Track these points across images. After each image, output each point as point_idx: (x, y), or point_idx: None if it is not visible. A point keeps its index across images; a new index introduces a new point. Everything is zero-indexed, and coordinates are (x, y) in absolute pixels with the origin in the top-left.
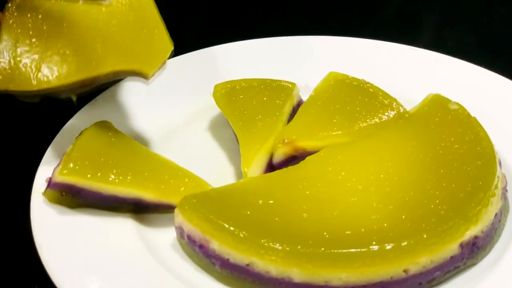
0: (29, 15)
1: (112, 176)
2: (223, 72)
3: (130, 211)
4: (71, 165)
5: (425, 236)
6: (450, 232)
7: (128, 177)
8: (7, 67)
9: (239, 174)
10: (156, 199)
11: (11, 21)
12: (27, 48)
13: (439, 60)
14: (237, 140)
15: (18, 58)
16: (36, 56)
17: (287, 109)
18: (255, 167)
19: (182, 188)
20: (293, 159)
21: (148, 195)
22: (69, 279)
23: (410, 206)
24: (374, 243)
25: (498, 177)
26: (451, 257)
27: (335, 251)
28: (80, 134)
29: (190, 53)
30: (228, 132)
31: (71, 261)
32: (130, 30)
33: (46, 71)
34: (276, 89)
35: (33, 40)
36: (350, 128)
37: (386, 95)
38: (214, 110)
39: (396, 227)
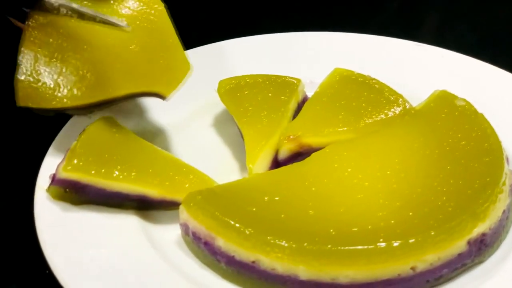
0: (49, 32)
1: (117, 173)
2: (227, 68)
3: (134, 208)
4: (75, 161)
5: (432, 233)
6: (457, 229)
7: (133, 174)
8: (27, 84)
9: (244, 170)
10: (160, 195)
11: (31, 38)
12: (46, 67)
13: (446, 56)
14: (242, 137)
15: (38, 76)
16: (55, 75)
17: (292, 105)
18: (260, 163)
19: (187, 185)
20: (298, 155)
21: (152, 191)
22: (73, 276)
23: (417, 203)
24: (381, 240)
25: (506, 173)
26: (459, 254)
27: (342, 248)
28: (84, 130)
29: (194, 49)
30: (233, 128)
31: (75, 258)
32: (150, 52)
33: (65, 91)
34: (281, 85)
35: (53, 59)
36: (355, 124)
37: (392, 91)
38: (218, 106)
39: (403, 224)
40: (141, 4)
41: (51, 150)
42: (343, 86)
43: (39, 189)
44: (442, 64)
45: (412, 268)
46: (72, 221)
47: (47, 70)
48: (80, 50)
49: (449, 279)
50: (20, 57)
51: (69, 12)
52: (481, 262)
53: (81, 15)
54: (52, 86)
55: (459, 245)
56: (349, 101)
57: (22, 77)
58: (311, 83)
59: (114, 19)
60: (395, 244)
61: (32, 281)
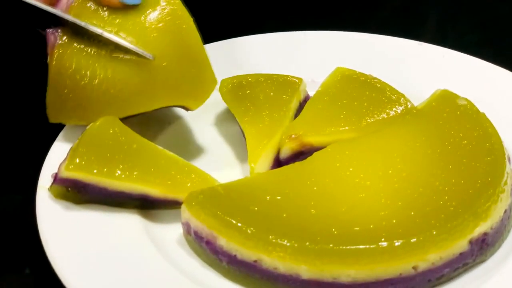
0: (78, 50)
1: (118, 172)
2: (229, 67)
3: (136, 207)
4: (77, 160)
5: (434, 232)
6: (459, 229)
7: (135, 173)
8: (59, 102)
9: (246, 169)
10: (162, 195)
11: (60, 56)
12: (75, 86)
13: (447, 55)
14: (244, 136)
15: (67, 95)
16: (84, 94)
17: (294, 104)
18: (262, 162)
19: (189, 184)
20: (300, 154)
21: (154, 190)
22: (75, 275)
23: (419, 202)
24: (383, 239)
25: (507, 173)
26: (461, 254)
27: (344, 247)
28: (86, 129)
29: None
30: (234, 127)
31: (77, 257)
32: (180, 66)
33: (94, 109)
34: (283, 84)
35: (82, 76)
36: (357, 123)
37: (393, 91)
38: (220, 105)
39: (405, 223)
40: (171, 18)
41: (53, 149)
42: (345, 85)
43: (41, 188)
44: (444, 63)
45: (414, 268)
46: (74, 221)
47: (77, 89)
48: (109, 68)
49: (450, 278)
50: (50, 75)
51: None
52: (482, 261)
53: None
54: (81, 105)
55: (460, 245)
56: (350, 100)
57: (53, 95)
58: (313, 82)
59: (138, 49)
60: (397, 244)
61: (35, 280)
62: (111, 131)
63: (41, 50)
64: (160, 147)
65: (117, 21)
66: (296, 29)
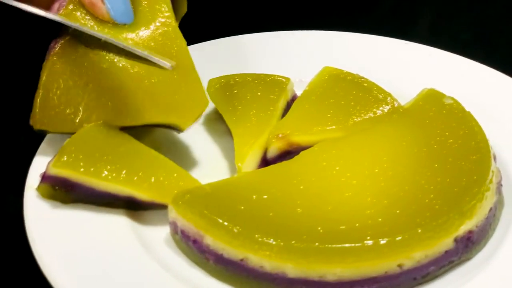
0: (73, 59)
1: (106, 172)
2: (217, 66)
3: (123, 207)
4: (65, 158)
5: (419, 231)
6: (444, 227)
7: (122, 175)
8: (46, 109)
9: (233, 169)
10: (149, 199)
11: (55, 63)
12: (66, 93)
13: (433, 54)
14: (231, 135)
15: (57, 102)
16: (74, 102)
17: (281, 104)
18: (249, 162)
19: (176, 191)
20: (287, 154)
21: (141, 194)
22: (62, 274)
23: (405, 201)
24: (368, 238)
25: (492, 171)
26: (446, 252)
27: (330, 246)
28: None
29: None
30: (222, 127)
31: (64, 256)
32: (170, 84)
33: (83, 117)
34: (270, 83)
35: (74, 85)
36: (344, 122)
37: (380, 90)
38: (208, 104)
39: (390, 222)
40: (163, 38)
41: (41, 149)
42: (332, 84)
43: (29, 188)
44: (430, 62)
45: (399, 266)
46: (61, 220)
47: (67, 96)
48: (102, 78)
49: (436, 276)
50: (41, 81)
51: (100, 42)
52: (468, 259)
53: (119, 49)
54: (71, 112)
55: (446, 243)
56: (338, 100)
57: (41, 102)
58: (300, 81)
59: (157, 59)
60: (382, 242)
61: (22, 280)
62: (102, 132)
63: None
64: (151, 150)
65: (108, 34)
66: (284, 29)
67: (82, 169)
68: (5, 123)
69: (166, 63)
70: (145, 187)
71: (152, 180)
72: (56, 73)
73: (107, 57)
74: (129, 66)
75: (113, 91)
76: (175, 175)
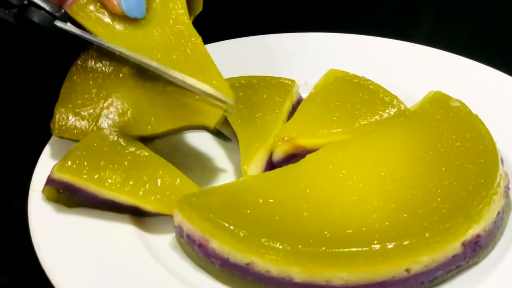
0: (95, 72)
1: (110, 181)
2: (221, 69)
3: (128, 213)
4: (69, 163)
5: (427, 235)
6: (452, 231)
7: (127, 186)
8: (65, 118)
9: (239, 172)
10: (154, 211)
11: (77, 74)
12: (85, 104)
13: (440, 57)
14: (237, 138)
15: (77, 111)
16: (93, 112)
17: (287, 106)
18: (254, 165)
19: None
20: (293, 157)
21: (146, 206)
22: (68, 279)
23: (412, 204)
24: (375, 242)
25: (500, 175)
26: (453, 256)
27: (336, 250)
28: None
29: None
30: (227, 130)
31: (69, 261)
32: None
33: (102, 127)
34: (275, 86)
35: (93, 96)
36: (350, 125)
37: (386, 92)
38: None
39: (397, 226)
40: (177, 37)
41: (45, 152)
42: (338, 87)
43: (33, 191)
44: (437, 64)
45: (407, 270)
46: (66, 224)
47: (87, 107)
48: (121, 88)
49: (443, 280)
50: (63, 91)
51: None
52: (475, 263)
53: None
54: (91, 122)
55: (453, 247)
56: (343, 102)
57: (59, 113)
58: (306, 84)
59: (220, 95)
60: (390, 246)
61: (26, 283)
62: (110, 139)
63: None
64: (160, 158)
65: (122, 32)
66: (290, 31)
67: (85, 176)
68: (10, 125)
69: (229, 100)
70: (151, 200)
71: (159, 194)
72: (77, 84)
73: (127, 70)
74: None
75: (132, 102)
76: (183, 188)
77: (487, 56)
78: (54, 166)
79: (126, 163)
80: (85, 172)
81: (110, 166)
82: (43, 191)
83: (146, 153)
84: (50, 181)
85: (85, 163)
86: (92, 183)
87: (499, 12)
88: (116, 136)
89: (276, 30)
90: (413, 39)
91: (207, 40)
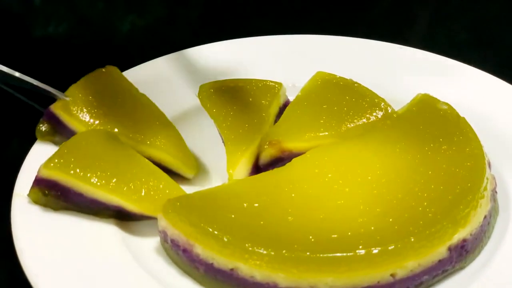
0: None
1: (96, 179)
2: (208, 72)
3: (113, 216)
4: (56, 160)
5: (412, 239)
6: (438, 235)
7: (111, 183)
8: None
9: (224, 176)
10: (138, 211)
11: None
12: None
13: (428, 59)
14: (223, 141)
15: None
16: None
17: (274, 109)
18: (240, 169)
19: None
20: (279, 160)
21: (129, 205)
22: (51, 285)
23: (398, 208)
24: (360, 247)
25: (487, 178)
26: (439, 261)
27: (321, 255)
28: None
29: (174, 53)
30: (213, 133)
31: (52, 266)
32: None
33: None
34: (262, 89)
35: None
36: (337, 129)
37: (374, 95)
38: (199, 111)
39: (383, 230)
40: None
41: (28, 158)
42: (325, 90)
43: (17, 196)
44: (425, 67)
45: (392, 275)
46: (50, 229)
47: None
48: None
49: (429, 285)
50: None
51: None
52: (462, 268)
53: None
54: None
55: (439, 252)
56: (330, 105)
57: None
58: (293, 87)
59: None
60: (375, 251)
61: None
62: (100, 138)
63: None
64: (146, 160)
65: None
66: (277, 33)
67: (71, 172)
68: None
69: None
70: (134, 199)
71: (142, 193)
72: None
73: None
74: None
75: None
76: (167, 191)
77: (482, 57)
78: (40, 166)
79: (113, 161)
80: (71, 168)
81: (97, 163)
82: (29, 193)
83: (135, 156)
84: (37, 181)
85: (72, 159)
86: (77, 179)
87: (496, 12)
88: (107, 136)
89: (264, 32)
90: (407, 40)
91: (192, 42)
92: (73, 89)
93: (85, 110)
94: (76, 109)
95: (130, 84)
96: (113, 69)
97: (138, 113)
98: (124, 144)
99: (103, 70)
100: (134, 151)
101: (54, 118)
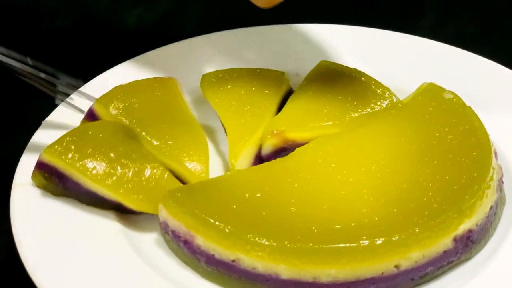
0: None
1: (94, 172)
2: (211, 61)
3: (112, 209)
4: (56, 146)
5: (417, 230)
6: (443, 226)
7: (109, 180)
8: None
9: (227, 166)
10: (137, 209)
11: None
12: None
13: (433, 48)
14: (225, 131)
15: None
16: None
17: (277, 99)
18: (243, 159)
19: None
20: (282, 150)
21: (128, 204)
22: (50, 277)
23: (402, 199)
24: (364, 237)
25: (493, 168)
26: (444, 252)
27: (324, 246)
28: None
29: (177, 43)
30: (216, 123)
31: (51, 258)
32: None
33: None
34: (265, 78)
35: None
36: (341, 118)
37: (378, 84)
38: (202, 100)
39: (387, 220)
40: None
41: (29, 147)
42: (329, 79)
43: (16, 187)
44: (430, 55)
45: (396, 266)
46: (49, 221)
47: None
48: None
49: (434, 277)
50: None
51: None
52: (468, 259)
53: None
54: None
55: (444, 242)
56: (334, 95)
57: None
58: (297, 76)
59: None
60: (379, 242)
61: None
62: (105, 130)
63: None
64: (150, 155)
65: None
66: (281, 22)
67: (69, 161)
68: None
69: None
70: (133, 199)
71: (141, 196)
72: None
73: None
74: None
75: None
76: (168, 189)
77: (491, 48)
78: (42, 150)
79: (115, 156)
80: (69, 157)
81: (97, 156)
82: (32, 176)
83: (141, 151)
84: (38, 164)
85: (72, 148)
86: (74, 169)
87: (504, 3)
88: (116, 129)
89: (268, 21)
90: (416, 32)
91: (195, 32)
92: (118, 89)
93: (123, 111)
94: (115, 109)
95: (183, 101)
96: (172, 81)
97: (176, 130)
98: (132, 138)
99: (161, 78)
100: (141, 145)
101: (93, 116)
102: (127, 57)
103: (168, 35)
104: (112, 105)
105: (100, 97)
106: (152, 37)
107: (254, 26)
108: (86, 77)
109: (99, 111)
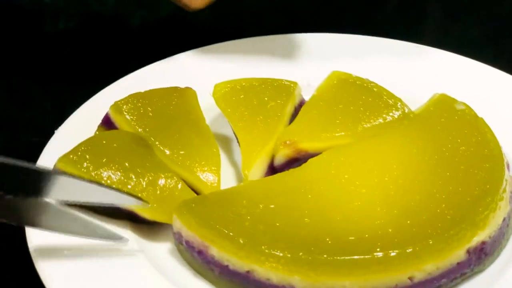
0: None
1: (108, 181)
2: (223, 71)
3: (126, 218)
4: (71, 155)
5: (431, 242)
6: (456, 238)
7: (124, 189)
8: None
9: (239, 177)
10: (151, 219)
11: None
12: None
13: (445, 58)
14: (238, 142)
15: None
16: None
17: (289, 109)
18: (255, 170)
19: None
20: (295, 161)
21: (142, 213)
22: (62, 284)
23: (416, 210)
24: (378, 249)
25: (506, 180)
26: (458, 264)
27: (338, 258)
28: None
29: (188, 52)
30: (228, 133)
31: (64, 266)
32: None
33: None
34: (277, 88)
35: None
36: (353, 129)
37: (390, 95)
38: (214, 110)
39: (401, 232)
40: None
41: (45, 152)
42: (341, 89)
43: None
44: (442, 66)
45: (410, 278)
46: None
47: None
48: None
49: None
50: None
51: None
52: (481, 271)
53: None
54: None
55: (458, 254)
56: (346, 105)
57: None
58: (308, 86)
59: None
60: (393, 254)
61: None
62: (120, 140)
63: None
64: (165, 165)
65: None
66: (292, 32)
67: (84, 170)
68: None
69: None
70: (147, 209)
71: (155, 205)
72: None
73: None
74: None
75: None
76: (182, 199)
77: (495, 54)
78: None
79: (128, 165)
80: (84, 166)
81: (111, 165)
82: None
83: (155, 161)
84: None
85: (87, 157)
86: (89, 178)
87: (509, 8)
88: (131, 139)
89: (278, 30)
90: (420, 36)
91: (207, 40)
92: (135, 96)
93: (138, 119)
94: (131, 115)
95: (199, 112)
96: (191, 91)
97: (190, 140)
98: (146, 147)
99: (179, 88)
100: (155, 155)
101: (109, 122)
102: (132, 60)
103: (173, 39)
104: (128, 111)
105: (116, 103)
106: (156, 40)
107: (262, 35)
108: (92, 81)
109: (115, 117)
